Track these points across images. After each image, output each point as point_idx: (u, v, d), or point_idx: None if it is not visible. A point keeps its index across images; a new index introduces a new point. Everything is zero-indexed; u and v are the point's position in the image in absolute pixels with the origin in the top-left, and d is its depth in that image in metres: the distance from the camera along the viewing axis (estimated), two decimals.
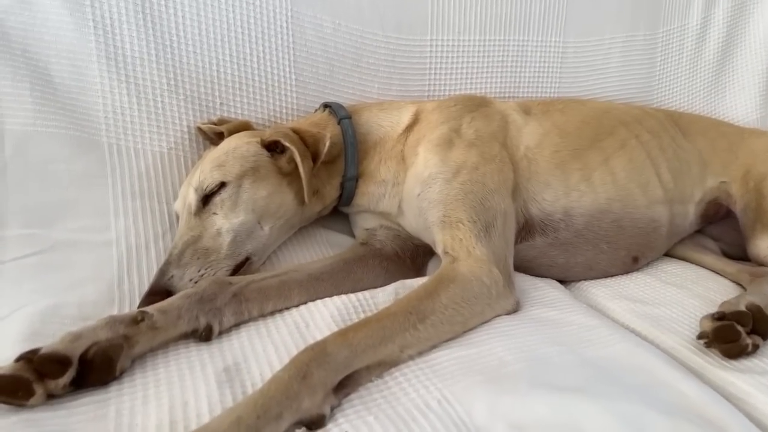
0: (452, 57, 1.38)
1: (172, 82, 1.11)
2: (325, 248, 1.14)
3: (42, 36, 1.01)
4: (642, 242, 1.16)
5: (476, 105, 1.19)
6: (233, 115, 1.18)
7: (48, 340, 0.71)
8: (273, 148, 1.03)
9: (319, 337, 0.82)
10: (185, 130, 1.12)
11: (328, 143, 1.03)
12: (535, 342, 0.83)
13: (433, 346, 0.81)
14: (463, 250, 0.94)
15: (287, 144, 0.99)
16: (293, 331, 0.85)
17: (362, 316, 0.89)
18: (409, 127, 1.14)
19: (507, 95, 1.45)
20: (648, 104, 1.54)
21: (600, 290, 1.09)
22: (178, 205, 1.02)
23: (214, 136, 1.12)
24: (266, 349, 0.80)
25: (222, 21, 1.15)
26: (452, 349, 0.80)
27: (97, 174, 1.01)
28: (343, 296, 0.93)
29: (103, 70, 1.05)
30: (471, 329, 0.86)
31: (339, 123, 1.11)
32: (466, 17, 1.37)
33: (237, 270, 0.96)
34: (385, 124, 1.15)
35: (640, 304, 1.02)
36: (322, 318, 0.87)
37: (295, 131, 1.04)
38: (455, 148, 1.07)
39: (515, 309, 0.93)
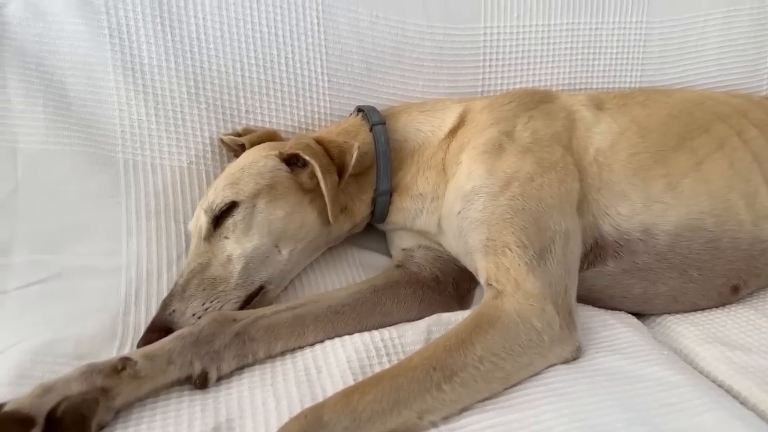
0: (511, 46, 1.20)
1: (193, 90, 1.03)
2: (356, 271, 1.02)
3: (57, 48, 0.97)
4: (745, 268, 0.93)
5: (536, 102, 1.01)
6: (260, 124, 1.08)
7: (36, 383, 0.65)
8: (294, 161, 0.92)
9: (329, 387, 0.71)
10: (207, 142, 1.04)
11: (355, 154, 0.90)
12: (597, 406, 0.66)
13: (464, 409, 0.66)
14: (511, 282, 0.77)
15: (307, 157, 0.87)
16: (302, 378, 0.73)
17: (385, 360, 0.76)
18: (453, 131, 0.98)
19: (577, 89, 1.24)
20: (754, 92, 1.27)
21: (688, 329, 0.88)
22: (191, 226, 0.93)
23: (237, 148, 1.03)
24: (266, 401, 0.69)
25: (246, 21, 1.05)
26: (487, 414, 0.65)
27: (110, 193, 0.95)
28: (366, 334, 0.80)
29: (119, 80, 0.99)
30: (515, 385, 0.70)
31: (371, 129, 0.98)
32: None
33: (250, 300, 0.86)
34: (425, 128, 1.00)
35: (741, 351, 0.80)
36: (337, 362, 0.75)
37: (319, 141, 0.92)
38: (506, 155, 0.90)
39: (575, 356, 0.76)
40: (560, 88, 1.23)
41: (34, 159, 0.92)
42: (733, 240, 0.92)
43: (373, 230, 1.07)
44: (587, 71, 1.24)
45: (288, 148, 0.91)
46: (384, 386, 0.62)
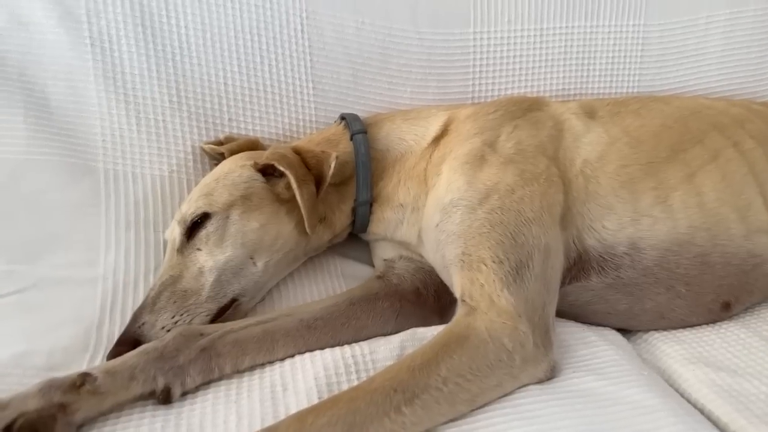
0: (502, 52, 1.17)
1: (175, 99, 1.02)
2: (337, 281, 1.00)
3: (39, 58, 0.97)
4: (736, 283, 0.89)
5: (524, 110, 0.98)
6: (244, 132, 1.07)
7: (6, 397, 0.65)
8: (271, 171, 0.91)
9: (293, 405, 0.70)
10: (189, 150, 1.04)
11: (333, 164, 0.89)
12: (566, 431, 0.64)
13: None
14: (485, 298, 0.75)
15: (282, 168, 0.86)
16: (266, 395, 0.72)
17: (354, 377, 0.74)
18: (437, 140, 0.96)
19: (572, 96, 1.21)
20: (758, 98, 1.22)
21: (673, 348, 0.85)
22: (168, 235, 0.93)
23: (218, 156, 1.02)
24: (228, 419, 0.68)
25: (229, 28, 1.04)
26: None
27: (90, 203, 0.95)
28: (337, 350, 0.79)
29: (100, 90, 0.98)
30: (484, 405, 0.68)
31: (352, 138, 0.97)
32: (518, 2, 1.15)
33: (221, 314, 0.85)
34: (408, 137, 0.98)
35: (726, 373, 0.76)
36: (304, 379, 0.74)
37: (297, 151, 0.91)
38: (487, 166, 0.88)
39: (549, 376, 0.73)
40: (554, 95, 1.20)
41: (14, 169, 0.92)
42: (724, 255, 0.88)
43: (357, 239, 1.05)
44: (582, 77, 1.21)
45: (264, 158, 0.90)
46: (340, 409, 0.61)
